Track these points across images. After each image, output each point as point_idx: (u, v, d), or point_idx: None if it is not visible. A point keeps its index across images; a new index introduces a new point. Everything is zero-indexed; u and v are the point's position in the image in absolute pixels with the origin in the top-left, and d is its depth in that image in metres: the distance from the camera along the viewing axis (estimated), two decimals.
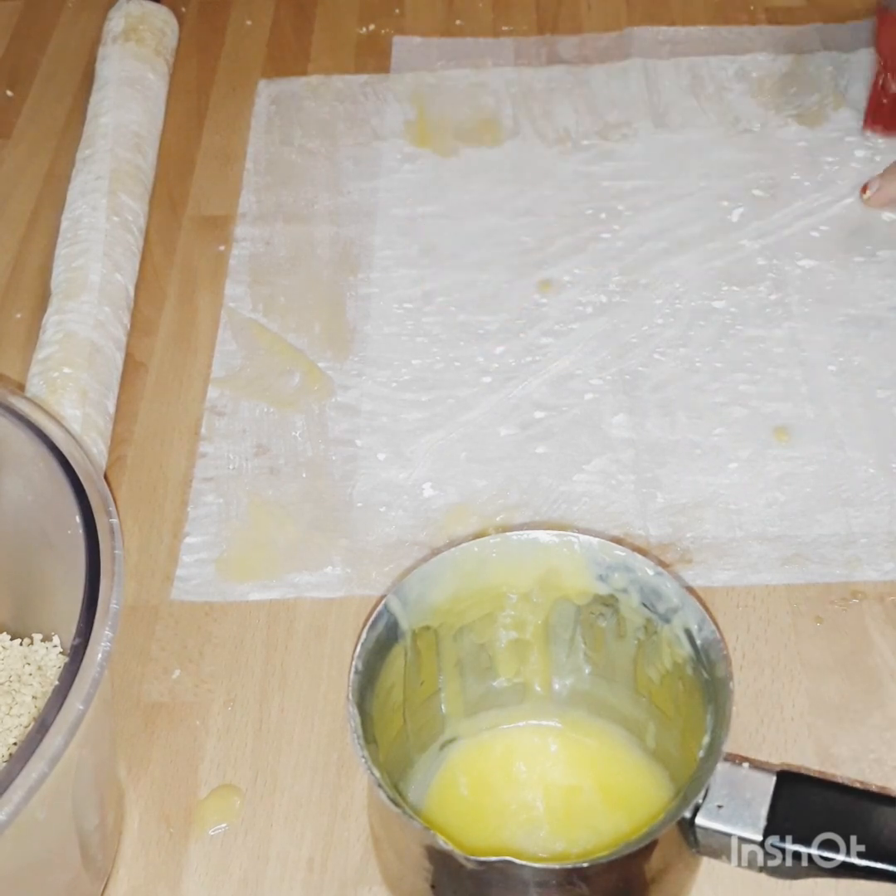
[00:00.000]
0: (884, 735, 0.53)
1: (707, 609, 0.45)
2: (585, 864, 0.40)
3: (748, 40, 0.86)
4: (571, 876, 0.40)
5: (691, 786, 0.41)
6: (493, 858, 0.39)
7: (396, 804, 0.40)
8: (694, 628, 0.44)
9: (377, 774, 0.41)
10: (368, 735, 0.42)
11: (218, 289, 0.73)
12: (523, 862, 0.39)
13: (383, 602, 0.45)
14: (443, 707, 0.50)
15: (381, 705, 0.45)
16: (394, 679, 0.46)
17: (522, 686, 0.51)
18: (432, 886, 0.44)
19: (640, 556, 0.46)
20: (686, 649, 0.45)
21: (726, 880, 0.48)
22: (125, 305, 0.69)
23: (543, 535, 0.47)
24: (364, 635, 0.44)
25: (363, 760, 0.41)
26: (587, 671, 0.50)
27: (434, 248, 0.74)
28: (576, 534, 0.47)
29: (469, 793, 0.50)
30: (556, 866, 0.40)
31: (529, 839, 0.48)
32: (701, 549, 0.59)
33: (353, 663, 0.43)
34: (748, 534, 0.60)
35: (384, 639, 0.45)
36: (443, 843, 0.40)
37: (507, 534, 0.47)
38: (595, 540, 0.47)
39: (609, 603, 0.47)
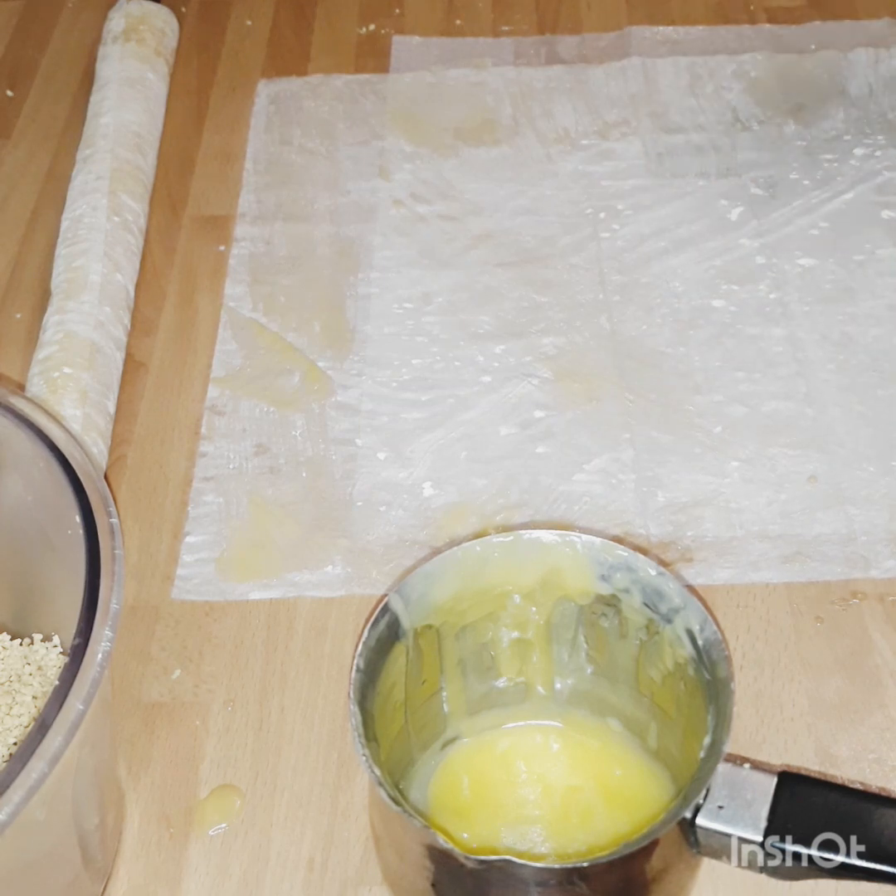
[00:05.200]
0: (884, 735, 0.53)
1: (708, 608, 0.45)
2: (585, 864, 0.40)
3: (747, 40, 0.86)
4: (571, 875, 0.40)
5: (692, 786, 0.41)
6: (493, 857, 0.39)
7: (397, 803, 0.40)
8: (696, 629, 0.44)
9: (378, 773, 0.41)
10: (369, 734, 0.42)
11: (218, 288, 0.73)
12: (523, 861, 0.39)
13: (385, 600, 0.45)
14: (444, 706, 0.50)
15: (383, 704, 0.45)
16: (395, 678, 0.46)
17: (524, 686, 0.51)
18: (433, 885, 0.44)
19: (642, 557, 0.46)
20: (688, 650, 0.45)
21: (727, 880, 0.48)
22: (125, 305, 0.69)
23: (546, 535, 0.47)
24: (366, 634, 0.44)
25: (364, 759, 0.41)
26: (589, 671, 0.50)
27: (434, 248, 0.74)
28: (578, 533, 0.47)
29: (470, 792, 0.50)
30: (556, 866, 0.40)
31: (530, 838, 0.48)
32: (701, 547, 0.59)
33: (355, 662, 0.44)
34: (748, 532, 0.60)
35: (386, 637, 0.45)
36: (443, 841, 0.40)
37: (510, 533, 0.47)
38: (597, 540, 0.47)
39: (611, 603, 0.47)
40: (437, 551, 0.48)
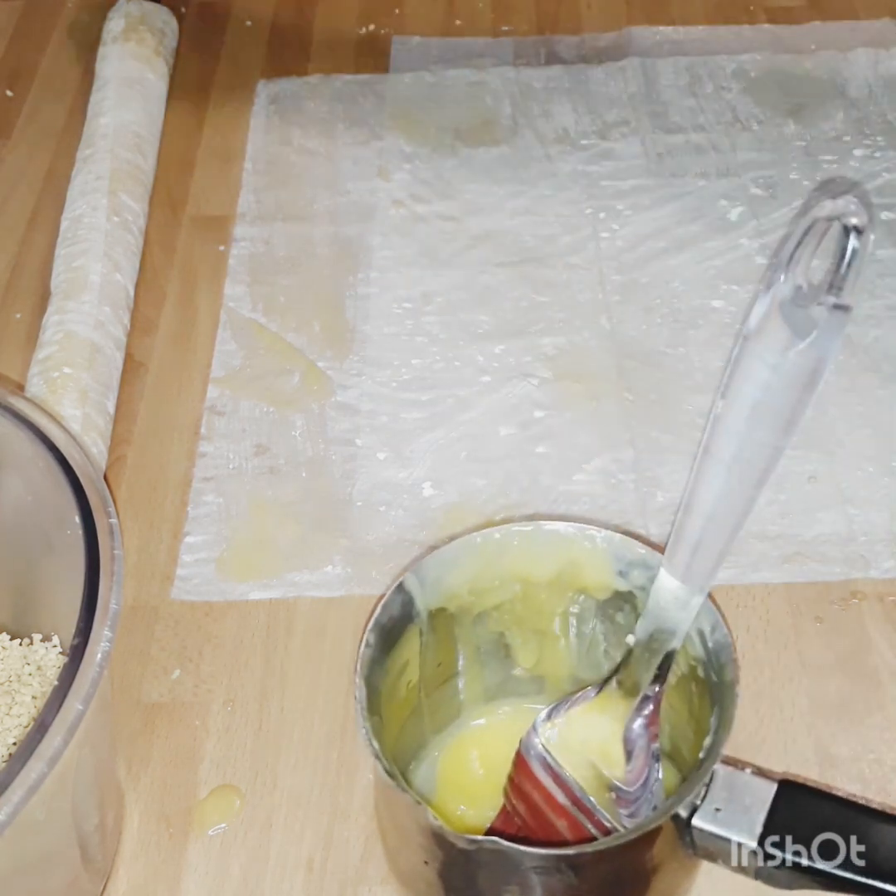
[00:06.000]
0: (884, 735, 0.53)
1: (719, 611, 0.44)
2: (572, 852, 0.40)
3: (747, 40, 0.86)
4: (559, 862, 0.40)
5: (686, 785, 0.41)
6: (482, 838, 0.39)
7: (392, 777, 0.40)
8: (707, 630, 0.44)
9: (376, 746, 0.41)
10: (373, 708, 0.42)
11: (217, 288, 0.73)
12: (511, 844, 0.39)
13: (400, 579, 0.45)
14: (461, 692, 0.50)
15: (392, 682, 0.45)
16: (408, 657, 0.46)
17: (541, 678, 0.51)
18: (426, 863, 0.44)
19: (659, 555, 0.45)
20: (698, 651, 0.44)
21: (726, 884, 0.48)
22: (125, 305, 0.69)
23: (565, 527, 0.47)
24: (378, 611, 0.44)
25: (364, 732, 0.41)
26: (606, 667, 0.50)
27: (433, 248, 0.74)
28: (597, 528, 0.46)
29: (479, 769, 0.50)
30: (544, 851, 0.40)
31: None
32: None
33: (364, 636, 0.43)
34: (748, 532, 0.60)
35: (399, 616, 0.45)
36: (433, 819, 0.40)
37: (529, 522, 0.47)
38: (616, 535, 0.46)
39: (628, 599, 0.47)
40: (453, 538, 0.47)
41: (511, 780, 0.46)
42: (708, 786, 0.42)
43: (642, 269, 0.72)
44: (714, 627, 0.44)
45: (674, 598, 0.41)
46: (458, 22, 0.89)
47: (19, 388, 0.66)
